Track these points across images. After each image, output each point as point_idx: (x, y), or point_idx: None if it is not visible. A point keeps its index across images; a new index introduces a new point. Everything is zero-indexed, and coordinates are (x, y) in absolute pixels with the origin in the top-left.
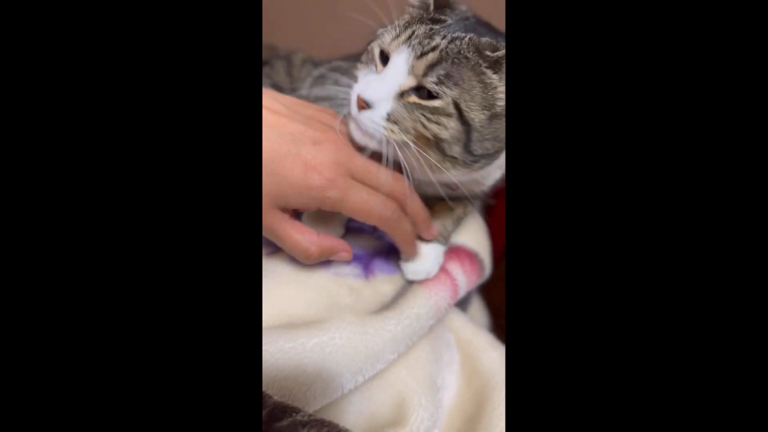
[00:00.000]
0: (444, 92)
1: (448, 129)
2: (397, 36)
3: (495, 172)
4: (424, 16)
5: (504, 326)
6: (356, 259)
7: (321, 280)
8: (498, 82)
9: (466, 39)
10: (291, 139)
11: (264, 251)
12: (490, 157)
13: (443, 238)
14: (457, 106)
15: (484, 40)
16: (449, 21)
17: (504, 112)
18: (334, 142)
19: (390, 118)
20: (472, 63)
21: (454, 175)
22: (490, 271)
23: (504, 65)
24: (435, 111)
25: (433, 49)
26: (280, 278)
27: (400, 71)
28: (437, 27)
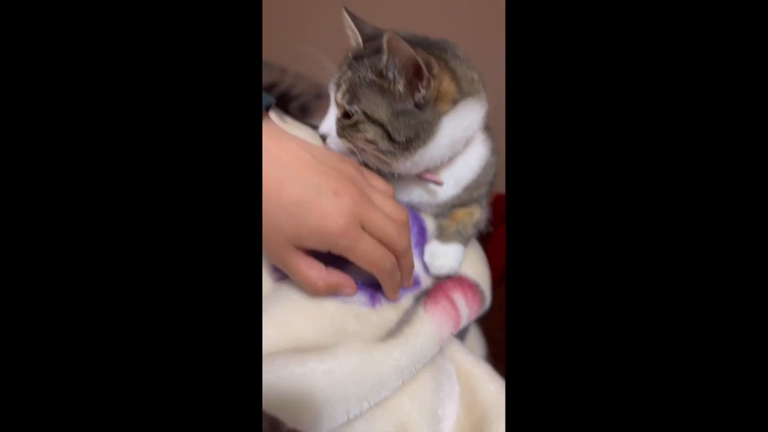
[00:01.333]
0: (355, 109)
1: (369, 131)
2: (333, 75)
3: (436, 152)
4: (351, 56)
5: (500, 355)
6: (362, 287)
7: (329, 307)
8: (386, 81)
9: (366, 61)
10: (315, 188)
11: (273, 277)
12: (416, 140)
13: (463, 239)
14: (365, 113)
15: (376, 57)
16: (365, 52)
17: (406, 108)
18: (351, 195)
19: (338, 135)
20: (368, 80)
21: (402, 163)
22: (489, 302)
23: (393, 70)
24: (355, 124)
25: (345, 80)
26: (291, 303)
27: (333, 107)
28: (355, 62)
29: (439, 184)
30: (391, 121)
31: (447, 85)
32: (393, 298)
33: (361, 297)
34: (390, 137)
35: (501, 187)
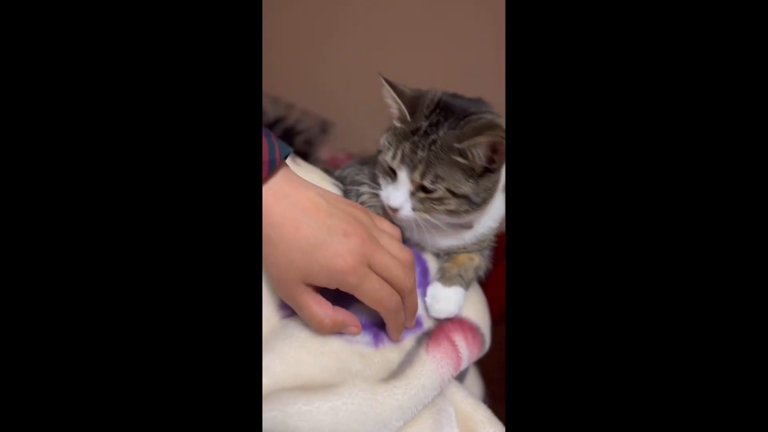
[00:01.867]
0: (437, 187)
1: (452, 204)
2: (394, 156)
3: (497, 202)
4: (407, 129)
5: (498, 394)
6: (366, 328)
7: (334, 346)
8: (468, 161)
9: (438, 142)
10: (327, 230)
11: (280, 314)
12: (489, 198)
13: (465, 283)
14: (449, 190)
15: (451, 134)
16: (422, 126)
17: (482, 173)
18: (360, 236)
19: (414, 209)
20: (447, 159)
21: (473, 217)
22: (489, 344)
23: (476, 152)
24: (437, 198)
25: (420, 161)
26: (297, 342)
27: (404, 181)
28: (416, 138)
29: (469, 227)
30: (474, 191)
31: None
32: (396, 339)
33: (365, 337)
34: (470, 203)
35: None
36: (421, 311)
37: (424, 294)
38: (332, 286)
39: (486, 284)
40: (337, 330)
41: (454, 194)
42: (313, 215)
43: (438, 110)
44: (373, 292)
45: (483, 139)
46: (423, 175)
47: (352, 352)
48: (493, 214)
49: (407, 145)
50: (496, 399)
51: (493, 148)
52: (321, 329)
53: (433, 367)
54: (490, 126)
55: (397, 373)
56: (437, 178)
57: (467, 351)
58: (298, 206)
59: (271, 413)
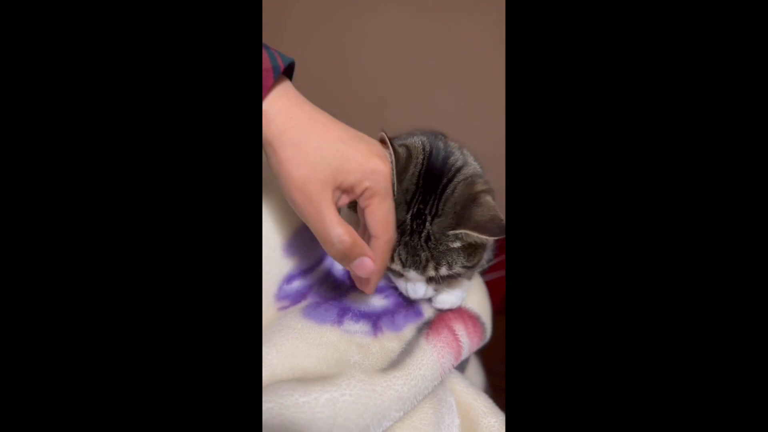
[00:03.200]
0: (455, 270)
1: (469, 273)
2: (393, 261)
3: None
4: (404, 225)
5: (499, 386)
6: (365, 316)
7: (332, 336)
8: (463, 240)
9: (432, 237)
10: (357, 136)
11: (278, 305)
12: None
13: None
14: (464, 267)
15: (438, 222)
16: (407, 221)
17: (479, 243)
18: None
19: (438, 290)
20: (449, 247)
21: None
22: (490, 334)
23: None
24: (455, 273)
25: (426, 260)
26: (293, 333)
27: (418, 277)
28: (407, 238)
29: None
30: (486, 255)
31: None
32: (370, 291)
33: (364, 326)
34: (477, 266)
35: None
36: (421, 301)
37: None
38: (359, 189)
39: (484, 276)
40: (355, 254)
41: (468, 267)
42: (338, 122)
43: (418, 194)
44: (388, 211)
45: (485, 234)
46: (436, 270)
47: (349, 343)
48: None
49: (403, 249)
50: (498, 390)
51: (499, 233)
52: (341, 243)
53: (434, 356)
54: (471, 198)
55: (396, 362)
56: (450, 264)
57: (468, 340)
58: (321, 113)
59: (268, 405)
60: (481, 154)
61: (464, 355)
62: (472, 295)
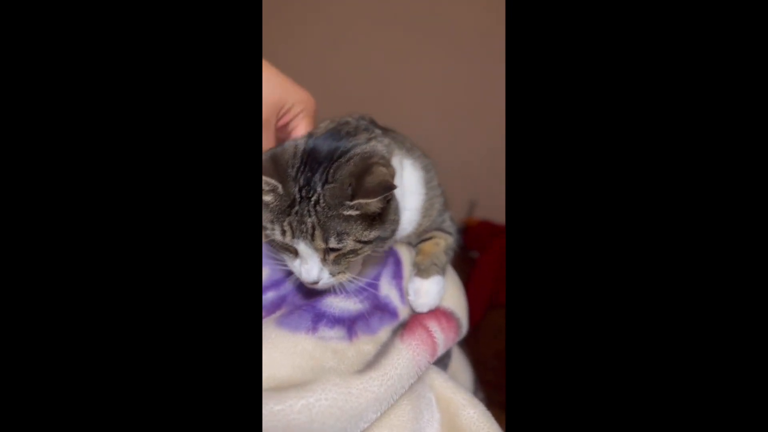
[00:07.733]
0: (345, 242)
1: (365, 249)
2: (283, 234)
3: (405, 217)
4: (282, 204)
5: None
6: (340, 321)
7: (306, 344)
8: (358, 209)
9: (321, 201)
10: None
11: None
12: (396, 224)
13: (441, 269)
14: (357, 240)
15: (332, 188)
16: (295, 193)
17: (381, 214)
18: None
19: (333, 274)
20: (340, 214)
21: (390, 244)
22: (466, 328)
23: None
24: (350, 251)
25: (314, 227)
26: (268, 343)
27: (309, 252)
28: (297, 207)
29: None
30: (382, 229)
31: (392, 172)
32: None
33: (339, 332)
34: (383, 239)
35: (482, 213)
36: (396, 302)
37: (398, 286)
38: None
39: (473, 270)
40: None
41: (362, 242)
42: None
43: (304, 166)
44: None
45: (372, 197)
46: (325, 239)
47: (325, 349)
48: (409, 219)
49: (293, 219)
50: (492, 386)
51: (386, 192)
52: None
53: (409, 355)
54: (366, 168)
55: (372, 363)
56: (341, 234)
57: (443, 336)
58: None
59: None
60: (481, 153)
61: (440, 351)
62: (446, 291)
